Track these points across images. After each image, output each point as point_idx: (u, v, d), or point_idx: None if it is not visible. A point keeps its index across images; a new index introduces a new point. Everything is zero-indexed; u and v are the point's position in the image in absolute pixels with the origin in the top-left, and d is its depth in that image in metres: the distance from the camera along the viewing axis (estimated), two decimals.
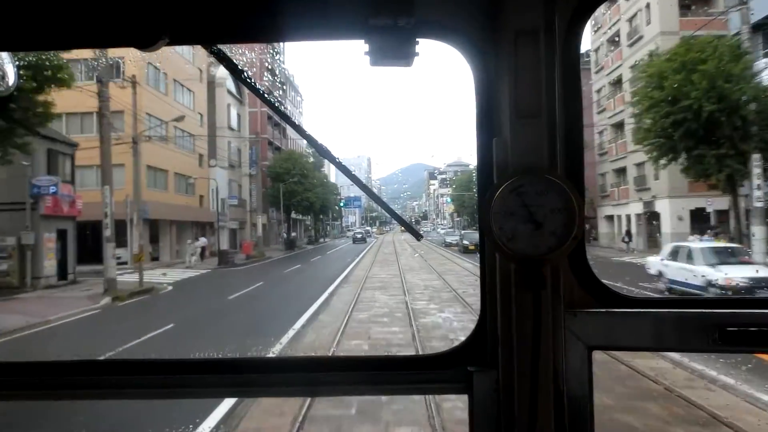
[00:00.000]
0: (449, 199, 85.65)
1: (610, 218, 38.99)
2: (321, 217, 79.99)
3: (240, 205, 49.19)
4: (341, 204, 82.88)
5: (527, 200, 1.01)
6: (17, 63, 1.51)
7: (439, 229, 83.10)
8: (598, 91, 39.76)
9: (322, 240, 72.19)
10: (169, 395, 1.35)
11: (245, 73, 1.25)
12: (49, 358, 1.28)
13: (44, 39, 1.23)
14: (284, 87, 61.92)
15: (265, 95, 1.40)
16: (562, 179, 1.03)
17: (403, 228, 1.54)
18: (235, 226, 48.28)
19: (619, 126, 36.91)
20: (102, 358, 1.99)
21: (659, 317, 1.10)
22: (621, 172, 37.11)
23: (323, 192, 63.79)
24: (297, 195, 49.28)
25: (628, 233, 37.05)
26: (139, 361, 1.23)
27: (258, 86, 1.40)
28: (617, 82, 36.69)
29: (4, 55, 1.39)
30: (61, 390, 1.26)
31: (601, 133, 39.67)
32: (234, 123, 49.02)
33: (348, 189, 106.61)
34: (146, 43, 1.12)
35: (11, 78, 1.39)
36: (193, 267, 30.32)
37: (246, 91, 52.70)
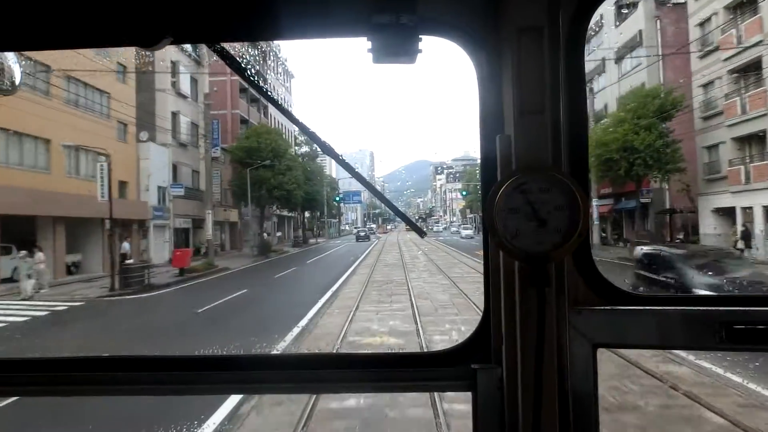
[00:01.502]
0: (465, 192, 71.94)
1: (726, 212, 25.45)
2: (316, 213, 67.01)
3: (195, 197, 36.07)
4: (337, 198, 69.65)
5: (531, 197, 0.98)
6: (22, 62, 1.43)
7: (459, 229, 68.08)
8: (703, 23, 26.23)
9: (313, 241, 59.07)
10: (175, 392, 1.25)
11: (248, 71, 1.21)
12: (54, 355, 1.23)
13: (49, 38, 1.20)
14: (264, 55, 48.72)
15: (269, 93, 1.27)
16: (566, 176, 0.99)
17: (409, 227, 1.48)
18: (186, 225, 35.18)
19: (747, 69, 23.39)
20: (106, 355, 1.26)
21: (665, 315, 1.06)
22: (753, 140, 23.63)
23: (310, 180, 50.58)
24: (268, 182, 35.98)
25: (746, 234, 23.78)
26: (145, 358, 1.19)
27: (263, 86, 1.31)
28: (746, 3, 23.18)
29: (10, 55, 1.35)
30: (66, 386, 1.22)
31: (707, 86, 26.10)
32: (185, 88, 35.83)
33: (349, 184, 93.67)
34: (150, 42, 1.09)
35: (17, 78, 1.35)
36: (31, 298, 16.95)
37: (206, 52, 39.74)
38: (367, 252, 37.69)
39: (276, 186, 36.38)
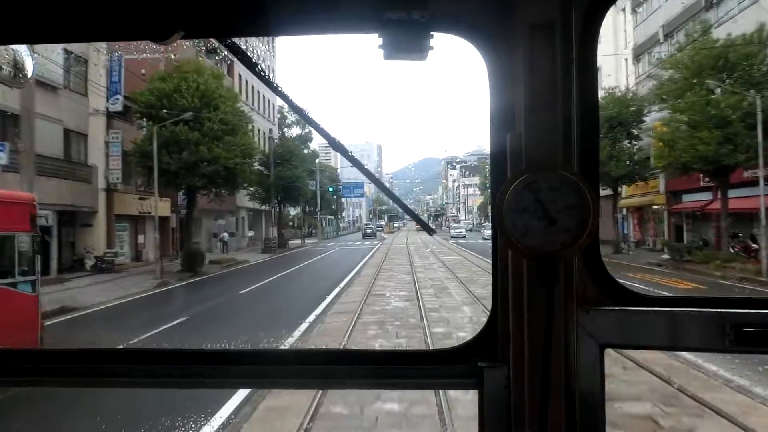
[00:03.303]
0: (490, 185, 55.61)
1: None
2: (304, 207, 51.97)
3: (70, 174, 21.06)
4: (331, 189, 54.63)
5: (541, 196, 0.94)
6: (35, 55, 1.40)
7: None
8: None
9: (297, 243, 44.04)
10: (184, 385, 1.26)
11: (259, 66, 1.20)
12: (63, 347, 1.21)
13: (61, 32, 1.17)
14: None
15: (279, 89, 1.19)
16: (576, 175, 0.96)
17: (419, 226, 1.32)
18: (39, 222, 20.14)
19: None
20: (119, 347, 0.96)
21: (674, 316, 1.03)
22: None
23: (287, 162, 35.52)
24: (193, 150, 20.65)
25: None
26: (154, 351, 1.17)
27: (275, 83, 1.23)
28: None
29: (23, 48, 1.32)
30: (74, 378, 1.21)
31: None
32: None
33: (354, 176, 78.45)
34: (161, 36, 1.07)
35: (30, 71, 1.32)
36: None
37: None
38: (357, 268, 22.57)
39: (209, 158, 21.02)
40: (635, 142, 26.94)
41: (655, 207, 29.91)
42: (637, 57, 32.02)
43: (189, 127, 20.35)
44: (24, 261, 8.53)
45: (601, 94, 29.55)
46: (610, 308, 1.03)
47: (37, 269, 8.75)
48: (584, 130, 1.04)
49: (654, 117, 27.86)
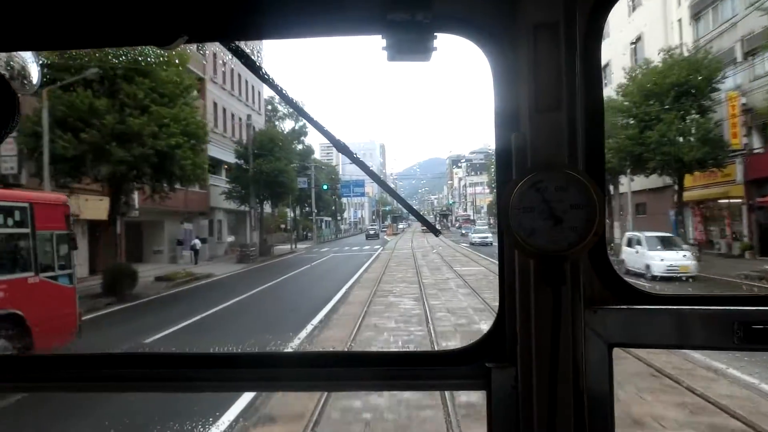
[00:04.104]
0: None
1: None
2: (295, 207, 45.62)
3: None
4: (325, 186, 48.24)
5: (547, 196, 0.94)
6: (41, 62, 1.39)
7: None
8: None
9: (286, 248, 37.66)
10: (190, 389, 1.23)
11: (263, 69, 1.18)
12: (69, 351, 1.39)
13: (65, 38, 1.18)
14: None
15: (283, 91, 1.18)
16: (582, 174, 0.95)
17: (425, 227, 1.39)
18: None
19: None
20: (120, 351, 1.43)
21: (681, 314, 1.02)
22: None
23: (269, 153, 29.18)
24: (92, 124, 14.08)
25: None
26: (159, 355, 1.16)
27: (280, 86, 1.20)
28: None
29: (28, 54, 1.31)
30: (81, 383, 1.19)
31: None
32: None
33: (356, 173, 72.12)
34: (165, 41, 1.07)
35: (35, 77, 1.31)
36: None
37: None
38: (347, 287, 16.18)
39: (127, 134, 14.49)
40: (710, 115, 20.47)
41: (724, 201, 23.35)
42: (695, 16, 25.48)
43: (93, 90, 13.90)
44: (61, 256, 9.06)
45: (658, 57, 23.47)
46: (618, 307, 1.02)
47: (73, 264, 9.56)
48: (590, 129, 1.02)
49: (728, 86, 21.54)
